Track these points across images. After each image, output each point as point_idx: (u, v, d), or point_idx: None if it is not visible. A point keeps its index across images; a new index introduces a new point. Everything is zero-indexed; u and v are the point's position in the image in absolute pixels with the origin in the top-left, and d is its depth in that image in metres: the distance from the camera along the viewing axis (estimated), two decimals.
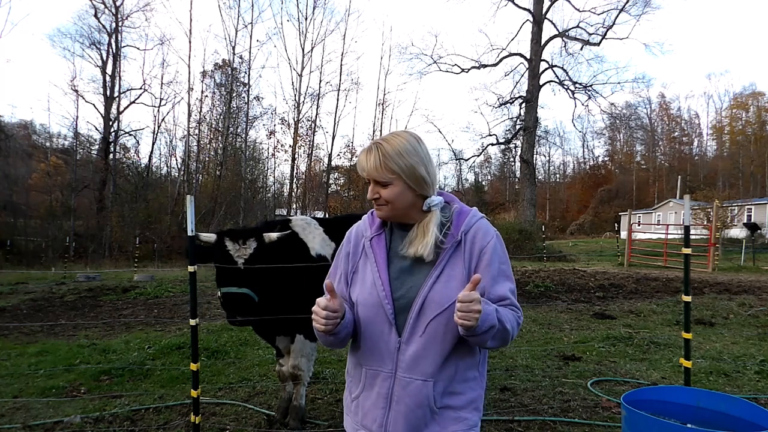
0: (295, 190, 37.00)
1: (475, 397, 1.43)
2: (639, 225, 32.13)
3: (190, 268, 2.99)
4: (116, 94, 33.01)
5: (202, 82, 36.80)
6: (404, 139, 1.39)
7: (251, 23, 34.81)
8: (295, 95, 35.45)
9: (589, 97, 30.46)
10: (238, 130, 36.71)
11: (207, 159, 36.93)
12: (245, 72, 35.93)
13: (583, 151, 69.99)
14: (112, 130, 33.21)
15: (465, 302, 1.19)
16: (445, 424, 1.37)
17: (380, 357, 1.38)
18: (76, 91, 32.65)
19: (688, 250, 3.06)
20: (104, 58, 32.93)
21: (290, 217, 3.77)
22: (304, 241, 3.43)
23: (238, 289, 2.92)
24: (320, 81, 36.41)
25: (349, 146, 41.18)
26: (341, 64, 36.80)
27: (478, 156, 38.59)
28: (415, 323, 1.34)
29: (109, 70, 32.92)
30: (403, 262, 1.41)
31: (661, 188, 56.69)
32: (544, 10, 29.26)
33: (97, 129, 33.53)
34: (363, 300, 1.41)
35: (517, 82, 31.36)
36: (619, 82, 35.48)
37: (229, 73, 35.60)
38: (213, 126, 37.44)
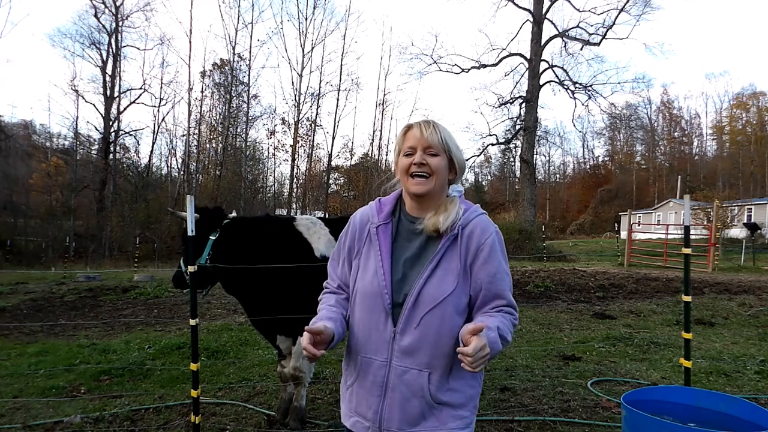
0: (295, 190, 37.00)
1: (474, 394, 1.44)
2: (639, 225, 32.12)
3: (190, 268, 2.99)
4: (116, 94, 33.02)
5: (201, 82, 36.88)
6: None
7: (251, 23, 34.87)
8: (295, 95, 35.50)
9: (589, 97, 30.38)
10: (238, 130, 36.74)
11: (207, 159, 36.95)
12: (245, 72, 35.97)
13: (583, 151, 70.07)
14: (112, 130, 33.19)
15: (473, 356, 1.16)
16: (444, 420, 1.38)
17: (375, 346, 1.40)
18: (76, 91, 32.69)
19: (688, 250, 3.06)
20: (104, 58, 32.97)
21: (294, 216, 3.75)
22: (308, 241, 3.40)
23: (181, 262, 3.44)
24: (320, 81, 36.47)
25: (349, 146, 41.23)
26: (341, 64, 36.86)
27: (478, 156, 38.34)
28: (410, 315, 1.35)
29: (109, 70, 32.94)
30: (407, 252, 1.42)
31: (661, 188, 56.69)
32: (544, 10, 29.22)
33: (97, 129, 33.57)
34: (363, 288, 1.43)
35: (517, 82, 31.31)
36: (619, 82, 35.36)
37: (229, 72, 35.60)
38: (213, 126, 37.48)
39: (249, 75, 35.89)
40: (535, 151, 33.62)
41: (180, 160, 36.31)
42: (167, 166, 40.64)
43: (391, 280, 1.39)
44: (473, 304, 1.40)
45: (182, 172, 35.41)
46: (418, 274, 1.37)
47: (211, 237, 3.28)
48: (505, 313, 1.38)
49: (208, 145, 37.18)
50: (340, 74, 36.82)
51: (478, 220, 1.41)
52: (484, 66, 30.95)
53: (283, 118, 38.68)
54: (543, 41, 29.41)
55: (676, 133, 63.79)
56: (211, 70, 37.12)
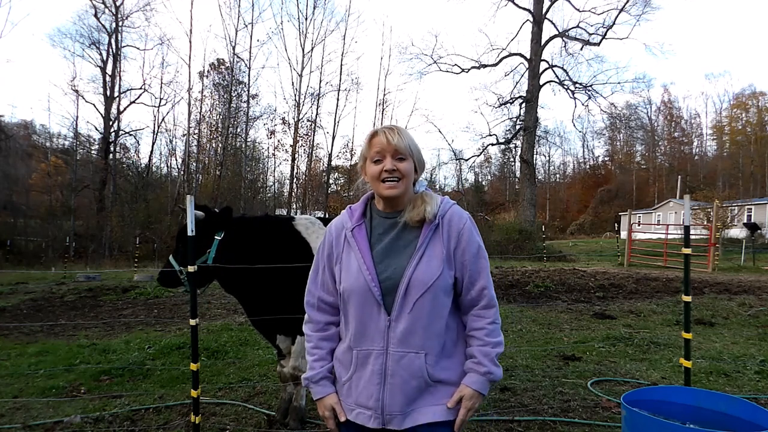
0: (295, 190, 37.01)
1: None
2: (639, 225, 32.12)
3: (190, 268, 2.99)
4: (116, 94, 32.98)
5: (201, 82, 36.88)
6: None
7: (251, 23, 34.82)
8: (295, 95, 35.46)
9: (589, 97, 30.40)
10: (238, 130, 36.74)
11: (207, 159, 36.95)
12: (245, 72, 35.97)
13: (583, 151, 70.04)
14: (112, 130, 33.16)
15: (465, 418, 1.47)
16: (439, 396, 1.48)
17: (371, 337, 1.47)
18: (76, 91, 32.63)
19: (688, 250, 3.06)
20: (104, 58, 32.92)
21: (293, 216, 3.76)
22: (306, 240, 3.41)
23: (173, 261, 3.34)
24: (320, 81, 36.41)
25: (349, 146, 41.20)
26: (341, 64, 36.80)
27: (478, 156, 38.48)
28: (403, 302, 1.44)
29: (109, 70, 32.90)
30: (386, 244, 1.52)
31: (661, 188, 56.67)
32: (544, 10, 29.24)
33: (97, 129, 33.52)
34: (350, 286, 1.49)
35: (517, 82, 31.33)
36: (619, 82, 35.43)
37: (228, 72, 35.61)
38: (213, 126, 37.48)
39: (249, 75, 35.91)
40: (535, 151, 33.65)
41: (180, 160, 36.35)
42: (167, 166, 40.69)
43: (376, 272, 1.46)
44: (459, 285, 1.52)
45: (182, 172, 35.41)
46: (402, 263, 1.47)
47: (216, 237, 3.28)
48: (486, 314, 1.52)
49: (208, 145, 37.20)
50: (340, 74, 36.83)
51: (453, 209, 1.55)
52: (484, 66, 30.98)
53: (283, 118, 38.71)
54: (543, 41, 29.42)
55: (676, 133, 63.78)
56: (209, 71, 37.17)
